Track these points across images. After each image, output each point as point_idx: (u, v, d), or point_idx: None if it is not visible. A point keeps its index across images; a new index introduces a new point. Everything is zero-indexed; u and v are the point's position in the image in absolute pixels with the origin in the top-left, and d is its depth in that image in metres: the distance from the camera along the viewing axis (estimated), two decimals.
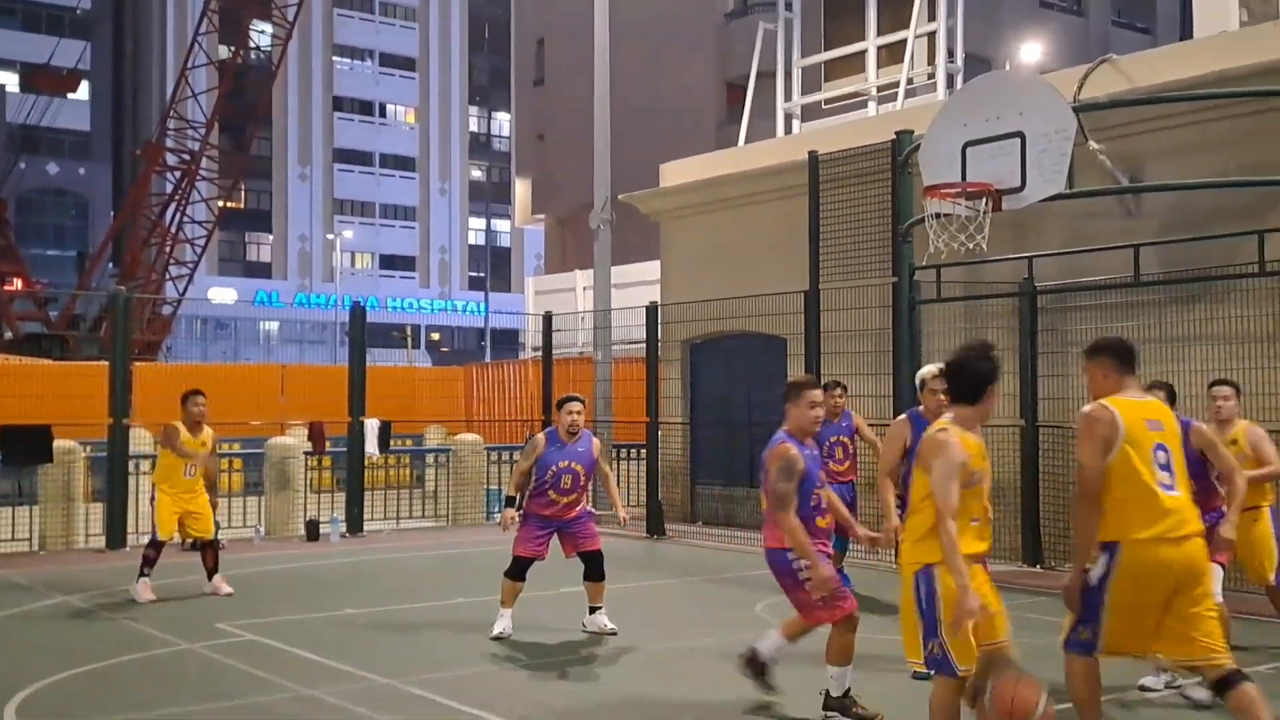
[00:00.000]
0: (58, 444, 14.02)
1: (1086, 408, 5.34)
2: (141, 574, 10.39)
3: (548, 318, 18.55)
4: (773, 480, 6.34)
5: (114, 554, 13.47)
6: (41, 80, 61.45)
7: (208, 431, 10.67)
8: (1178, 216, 11.35)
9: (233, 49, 42.71)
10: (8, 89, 61.94)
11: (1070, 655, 5.37)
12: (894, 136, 12.78)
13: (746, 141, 18.10)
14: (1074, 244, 11.85)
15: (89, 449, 15.03)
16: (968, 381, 5.24)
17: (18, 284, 40.30)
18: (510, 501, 8.93)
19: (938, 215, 11.21)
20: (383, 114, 72.10)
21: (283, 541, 15.05)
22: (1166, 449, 5.21)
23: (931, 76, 16.39)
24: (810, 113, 18.30)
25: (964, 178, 10.80)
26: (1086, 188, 11.02)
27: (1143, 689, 7.09)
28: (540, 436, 8.93)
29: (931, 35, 16.40)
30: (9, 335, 37.89)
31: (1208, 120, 11.06)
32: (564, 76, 35.49)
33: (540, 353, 18.56)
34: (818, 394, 6.59)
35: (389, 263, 71.17)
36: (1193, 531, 5.13)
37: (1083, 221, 11.98)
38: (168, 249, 41.02)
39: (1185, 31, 15.96)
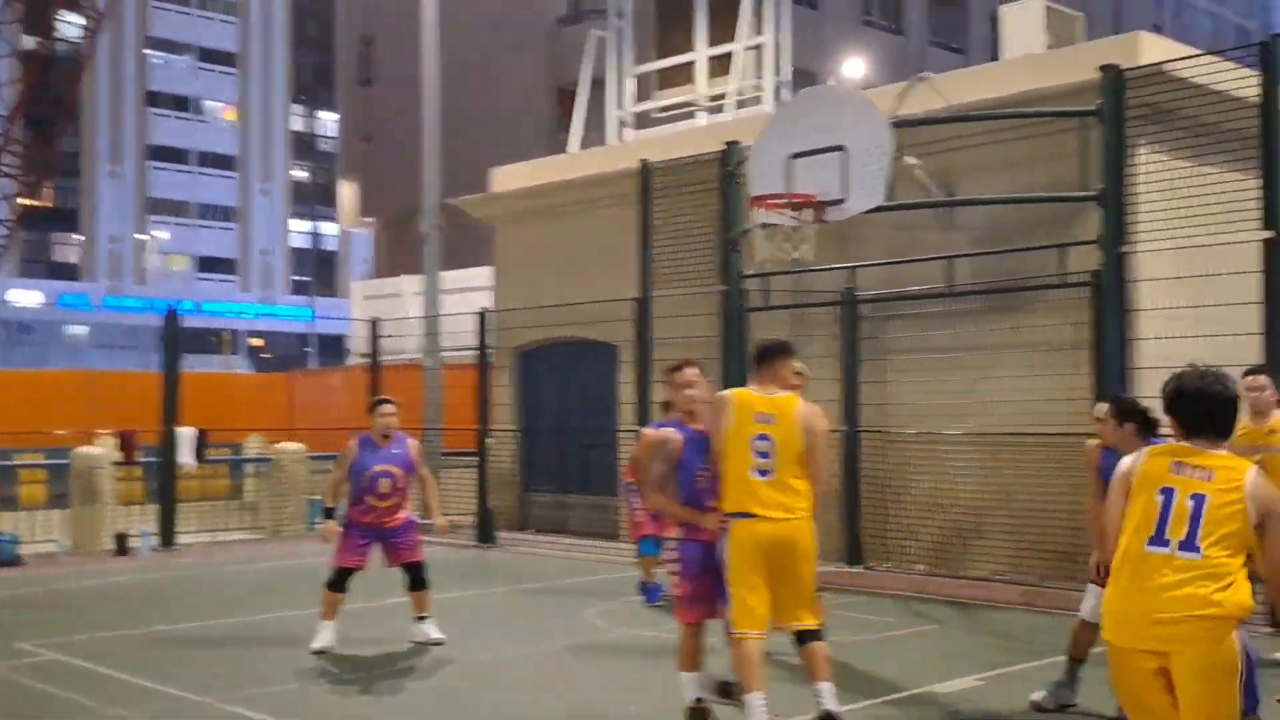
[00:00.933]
0: None
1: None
2: None
3: (374, 323, 18.28)
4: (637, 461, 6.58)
5: None
6: None
7: None
8: (989, 229, 11.91)
9: (39, 39, 40.72)
10: None
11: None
12: (723, 147, 13.05)
13: (579, 148, 18.18)
14: (893, 255, 12.30)
15: None
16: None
17: None
18: (329, 513, 8.76)
19: (765, 225, 11.49)
20: (200, 110, 69.72)
21: (90, 556, 14.45)
22: (770, 439, 6.01)
23: (759, 89, 16.76)
24: (642, 121, 18.49)
25: (789, 189, 11.09)
26: (904, 201, 11.46)
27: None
28: (353, 442, 8.77)
29: (759, 48, 16.77)
30: None
31: (1015, 138, 11.63)
32: (393, 77, 34.97)
33: (367, 359, 18.27)
34: (689, 373, 6.47)
35: (208, 265, 68.86)
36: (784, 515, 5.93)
37: (901, 233, 12.45)
38: None
39: (995, 53, 16.74)
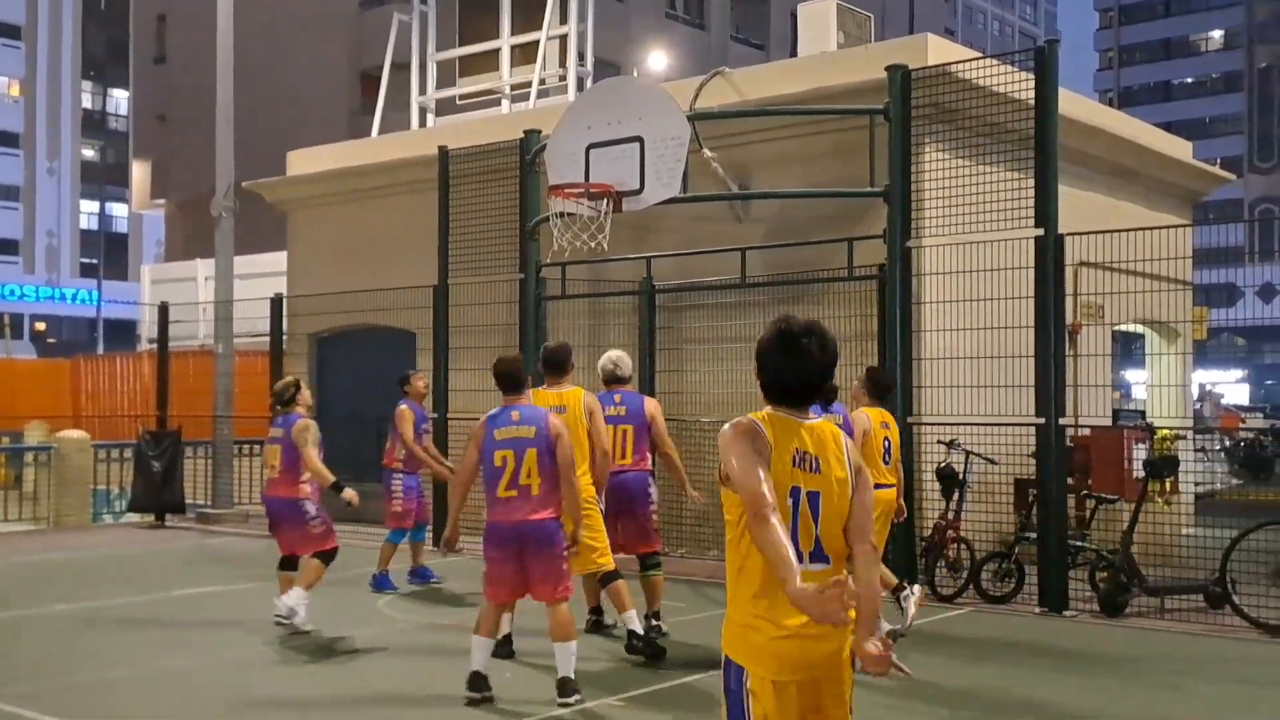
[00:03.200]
0: None
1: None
2: None
3: (164, 308, 17.61)
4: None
5: None
6: None
7: None
8: (781, 222, 12.20)
9: None
10: None
11: None
12: (523, 135, 12.99)
13: (380, 133, 17.84)
14: (690, 246, 12.47)
15: None
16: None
17: None
18: (337, 487, 8.68)
19: (562, 214, 11.49)
20: None
21: None
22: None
23: (563, 79, 16.76)
24: (445, 107, 18.27)
25: (587, 178, 11.12)
26: (700, 193, 11.62)
27: None
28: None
29: (564, 38, 16.77)
30: None
31: (807, 134, 11.94)
32: (187, 56, 33.63)
33: (156, 345, 17.58)
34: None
35: None
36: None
37: (698, 225, 12.64)
38: None
39: (793, 50, 17.19)
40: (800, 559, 3.30)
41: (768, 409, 3.49)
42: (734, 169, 12.24)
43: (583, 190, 11.14)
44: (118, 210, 66.81)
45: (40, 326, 63.01)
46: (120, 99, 66.77)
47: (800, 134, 12.01)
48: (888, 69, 10.63)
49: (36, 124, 66.35)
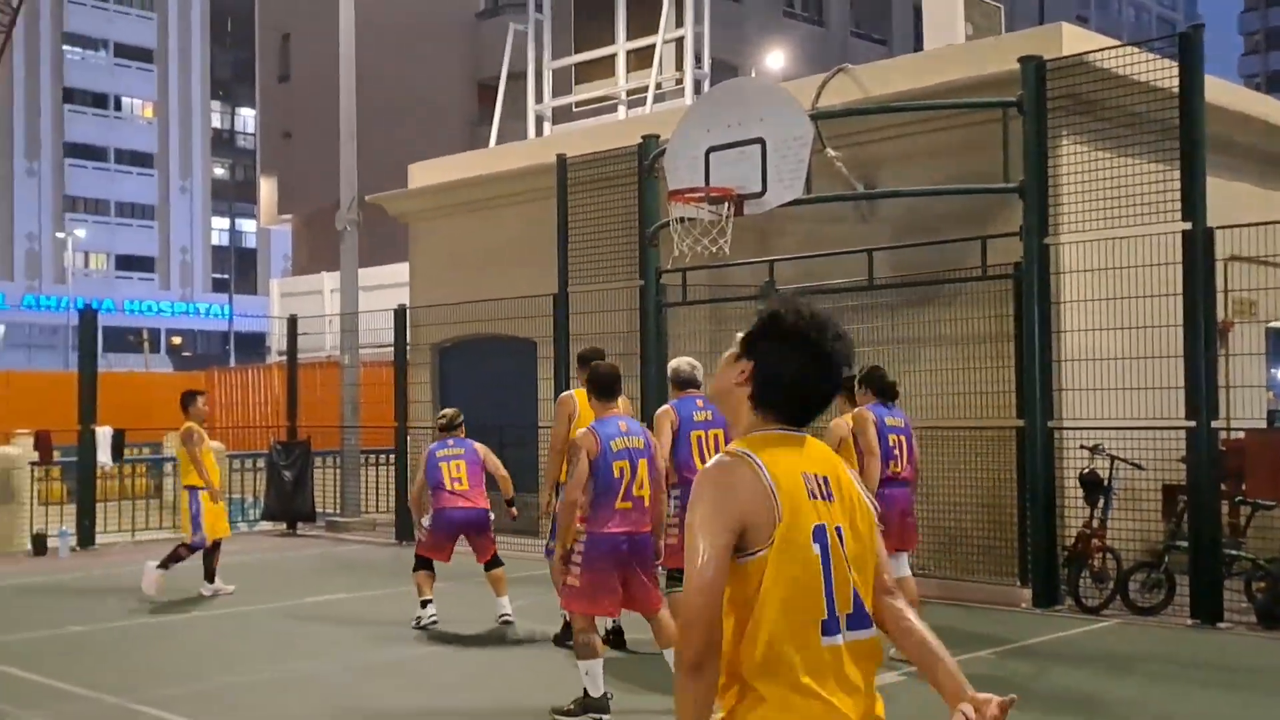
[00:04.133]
0: None
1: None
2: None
3: (292, 321, 17.91)
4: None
5: None
6: None
7: None
8: (908, 222, 11.83)
9: None
10: None
11: None
12: (640, 141, 12.85)
13: (498, 143, 17.90)
14: (813, 248, 12.18)
15: None
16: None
17: None
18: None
19: (682, 219, 11.32)
20: (118, 107, 68.19)
21: (6, 557, 14.16)
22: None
23: (679, 82, 16.60)
24: (561, 115, 18.26)
25: (707, 182, 10.92)
26: (824, 193, 11.33)
27: None
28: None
29: (680, 41, 16.60)
30: None
31: (935, 130, 11.56)
32: (310, 73, 34.37)
33: (285, 357, 17.92)
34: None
35: (126, 263, 67.42)
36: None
37: (821, 226, 12.34)
38: None
39: (918, 44, 16.78)
40: (836, 628, 2.49)
41: (765, 431, 2.61)
42: (858, 168, 11.92)
43: (703, 194, 10.94)
44: (247, 226, 68.83)
45: (176, 340, 65.25)
46: (247, 117, 68.84)
47: (928, 130, 11.63)
48: (1021, 60, 10.22)
49: (170, 144, 68.73)
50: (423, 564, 9.42)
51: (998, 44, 12.14)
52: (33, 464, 15.53)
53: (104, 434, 15.28)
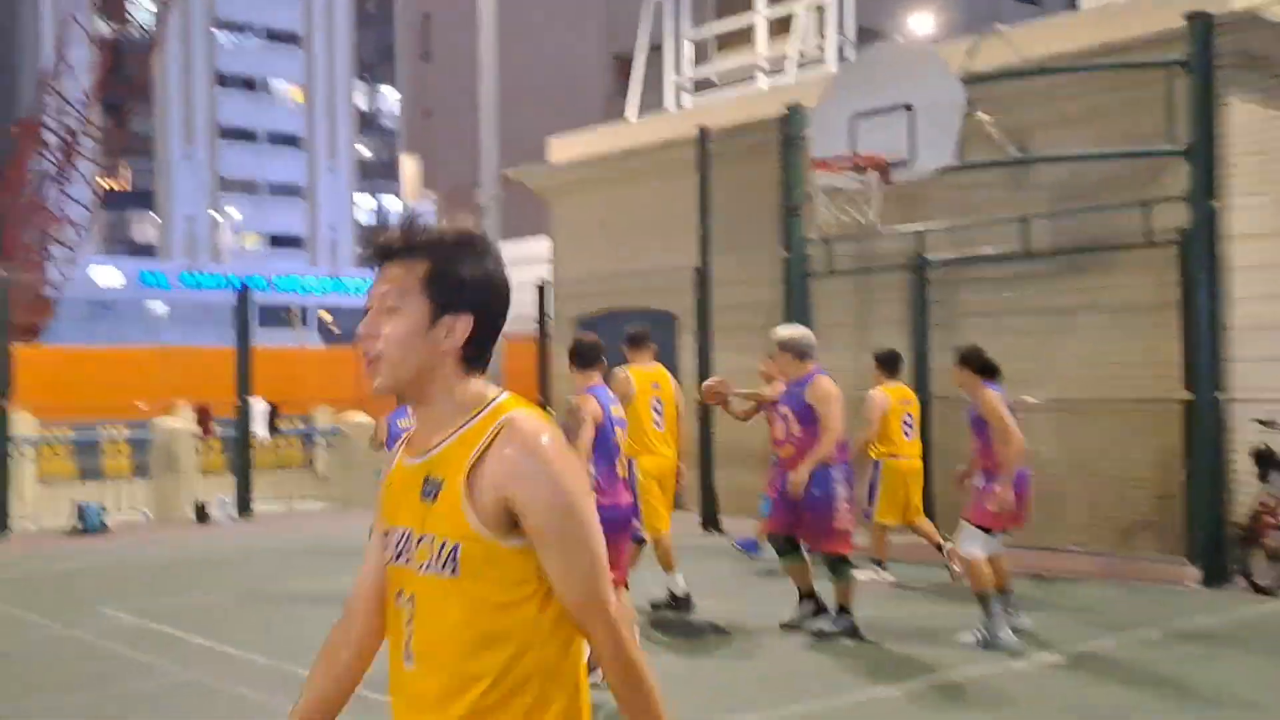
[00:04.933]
0: None
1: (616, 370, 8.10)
2: None
3: None
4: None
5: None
6: None
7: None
8: (1066, 187, 11.40)
9: (112, 24, 41.16)
10: None
11: None
12: (784, 110, 12.63)
13: (637, 116, 17.84)
14: (964, 216, 11.83)
15: None
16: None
17: None
18: None
19: (827, 188, 11.10)
20: (267, 89, 70.24)
21: (171, 524, 14.77)
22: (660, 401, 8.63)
23: (821, 49, 16.26)
24: (702, 86, 18.09)
25: (853, 150, 10.68)
26: (975, 159, 10.98)
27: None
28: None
29: (821, 7, 16.26)
30: None
31: (1094, 92, 11.09)
32: (451, 51, 34.85)
33: None
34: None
35: (277, 241, 69.56)
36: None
37: (972, 193, 11.97)
38: (48, 230, 39.55)
39: (1071, 2, 16.13)
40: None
41: (503, 392, 2.10)
42: (1011, 132, 11.51)
43: (849, 163, 10.71)
44: (391, 203, 70.32)
45: (325, 315, 67.08)
46: (390, 97, 70.21)
47: (1086, 92, 11.17)
48: (1188, 16, 9.72)
49: (316, 125, 70.56)
50: None
51: (1159, 1, 11.58)
52: (193, 436, 16.11)
53: (259, 407, 15.74)
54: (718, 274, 13.61)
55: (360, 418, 17.84)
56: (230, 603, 9.50)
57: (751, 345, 12.91)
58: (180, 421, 16.59)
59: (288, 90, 70.72)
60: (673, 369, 14.95)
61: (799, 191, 12.24)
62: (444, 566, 1.97)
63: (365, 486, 17.14)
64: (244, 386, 15.53)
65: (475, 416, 2.02)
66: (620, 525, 6.42)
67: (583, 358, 6.80)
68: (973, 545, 7.34)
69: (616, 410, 6.67)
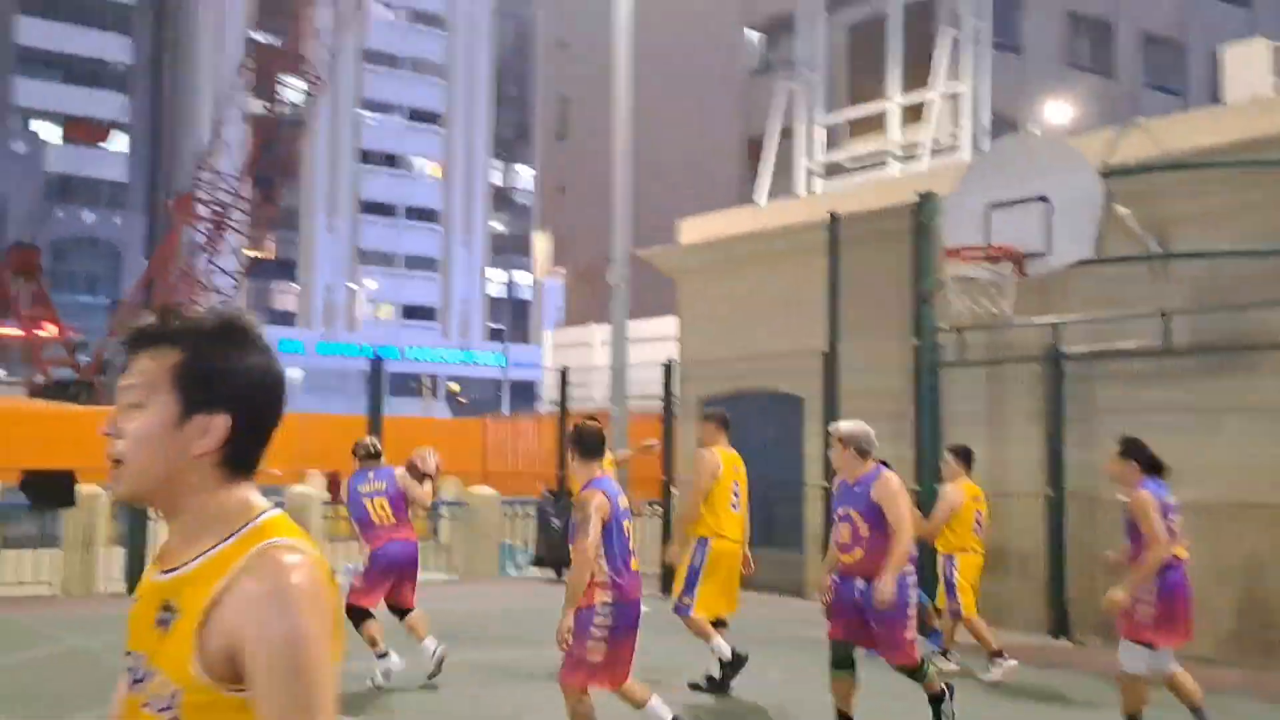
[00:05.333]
0: (82, 488, 13.99)
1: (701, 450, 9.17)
2: None
3: (564, 372, 18.40)
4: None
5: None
6: (78, 131, 62.19)
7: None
8: (1207, 283, 11.10)
9: (265, 104, 43.11)
10: (48, 140, 63.15)
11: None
12: (916, 197, 12.60)
13: (767, 199, 17.97)
14: (1101, 308, 11.59)
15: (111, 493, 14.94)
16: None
17: (50, 330, 40.57)
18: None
19: (960, 278, 11.01)
20: (408, 166, 72.60)
21: None
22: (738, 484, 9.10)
23: (955, 137, 16.24)
24: (832, 171, 18.17)
25: (987, 241, 10.59)
26: (1114, 254, 10.78)
27: None
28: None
29: (956, 95, 16.26)
30: (40, 380, 38.07)
31: (1239, 186, 10.83)
32: (587, 131, 35.62)
33: (557, 407, 18.43)
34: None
35: (411, 313, 71.38)
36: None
37: (1110, 285, 11.73)
38: (197, 298, 41.21)
39: (1216, 95, 15.81)
40: None
41: (271, 508, 1.84)
42: (1150, 225, 11.28)
43: (983, 253, 10.61)
44: (521, 278, 71.70)
45: (454, 387, 68.38)
46: (525, 174, 71.92)
47: (1229, 186, 10.91)
48: None
49: (453, 200, 72.59)
50: (363, 616, 8.78)
51: None
52: (323, 502, 16.36)
53: None
54: (845, 359, 13.54)
55: (485, 490, 18.04)
56: (350, 670, 9.59)
57: (880, 433, 12.77)
58: (310, 488, 16.90)
59: (427, 167, 72.97)
60: (798, 453, 14.99)
61: (930, 280, 12.16)
62: (164, 709, 1.71)
63: (488, 559, 17.27)
64: None
65: (233, 535, 1.76)
66: (632, 624, 6.27)
67: (587, 448, 6.41)
68: (1134, 662, 6.98)
69: (624, 502, 6.42)
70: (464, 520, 17.38)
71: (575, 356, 23.44)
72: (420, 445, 10.55)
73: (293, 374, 63.37)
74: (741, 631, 10.07)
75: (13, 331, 40.73)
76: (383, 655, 8.80)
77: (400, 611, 9.04)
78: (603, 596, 6.15)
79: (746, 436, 15.98)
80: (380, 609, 9.05)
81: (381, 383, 16.36)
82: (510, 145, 75.63)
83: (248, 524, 1.77)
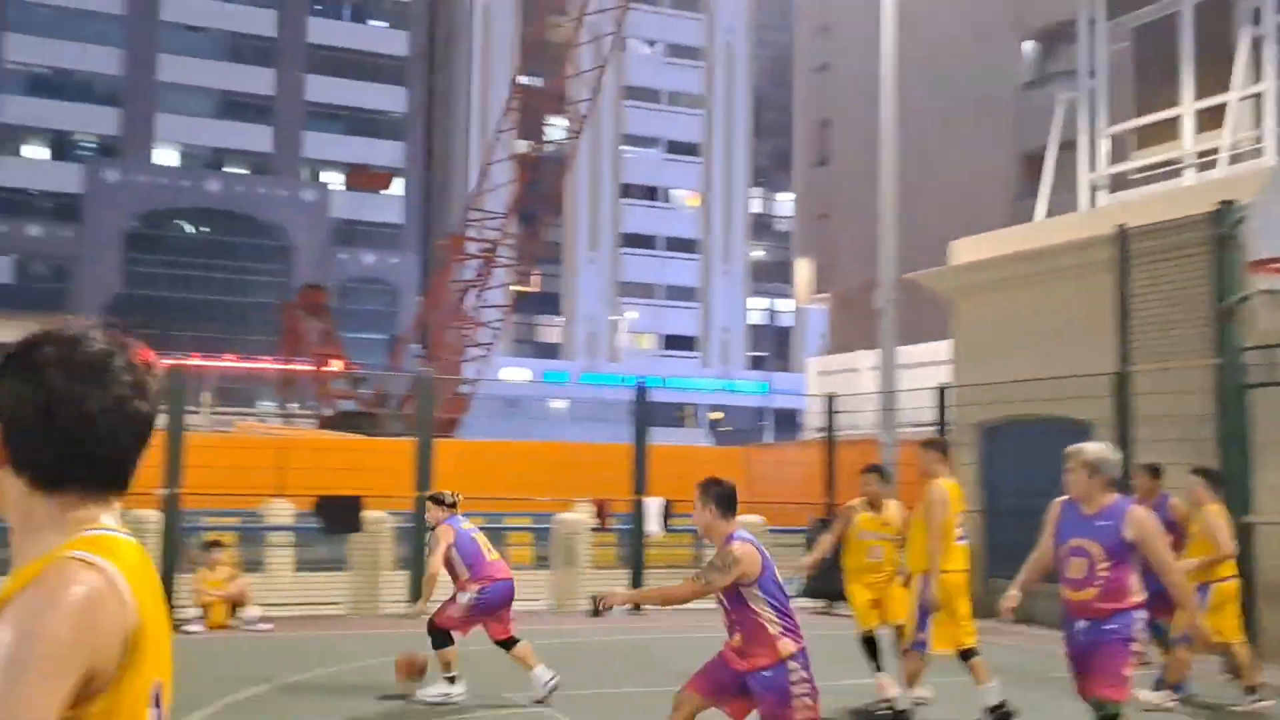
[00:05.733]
0: (367, 514, 14.70)
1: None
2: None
3: (830, 399, 18.09)
4: None
5: (417, 620, 13.92)
6: (359, 179, 66.34)
7: (891, 509, 9.66)
8: None
9: (531, 144, 44.68)
10: (331, 187, 67.73)
11: None
12: (1214, 206, 11.72)
13: (1045, 215, 17.16)
14: None
15: (395, 519, 15.63)
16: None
17: (336, 365, 43.24)
18: None
19: (1268, 291, 10.14)
20: (667, 198, 73.79)
21: (567, 615, 15.20)
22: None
23: (1259, 141, 15.05)
24: (1116, 183, 17.19)
25: None
26: None
27: None
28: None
29: (1258, 95, 15.08)
30: (327, 412, 40.58)
31: None
32: (848, 154, 35.20)
33: (823, 434, 18.13)
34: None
35: (671, 343, 72.35)
36: None
37: None
38: (467, 332, 42.99)
39: None
40: None
41: (86, 530, 1.79)
42: None
43: None
44: (782, 306, 71.56)
45: (715, 415, 68.76)
46: (784, 202, 71.88)
47: None
48: None
49: (712, 230, 73.27)
50: (446, 640, 9.29)
51: None
52: (591, 529, 16.53)
53: (654, 504, 16.02)
54: (1139, 382, 12.70)
55: (751, 518, 17.89)
56: (619, 696, 9.69)
57: (1178, 459, 11.90)
58: (579, 515, 17.18)
59: (686, 197, 73.97)
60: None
61: (1233, 294, 11.26)
62: None
63: None
64: (640, 483, 15.91)
65: (41, 553, 1.74)
66: (785, 690, 5.80)
67: (727, 504, 6.06)
68: None
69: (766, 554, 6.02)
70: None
71: (840, 383, 23.05)
72: (684, 473, 10.60)
73: (557, 404, 65.29)
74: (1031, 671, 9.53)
75: (304, 367, 43.66)
76: (450, 679, 9.28)
77: (507, 644, 9.43)
78: (789, 648, 5.85)
79: (1025, 464, 15.27)
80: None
81: (646, 412, 16.50)
82: (769, 173, 75.77)
83: (62, 543, 1.75)
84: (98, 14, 64.37)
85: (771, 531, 17.84)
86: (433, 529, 9.78)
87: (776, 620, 5.82)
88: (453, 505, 9.75)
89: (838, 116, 38.33)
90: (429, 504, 9.94)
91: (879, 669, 9.30)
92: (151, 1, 65.98)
